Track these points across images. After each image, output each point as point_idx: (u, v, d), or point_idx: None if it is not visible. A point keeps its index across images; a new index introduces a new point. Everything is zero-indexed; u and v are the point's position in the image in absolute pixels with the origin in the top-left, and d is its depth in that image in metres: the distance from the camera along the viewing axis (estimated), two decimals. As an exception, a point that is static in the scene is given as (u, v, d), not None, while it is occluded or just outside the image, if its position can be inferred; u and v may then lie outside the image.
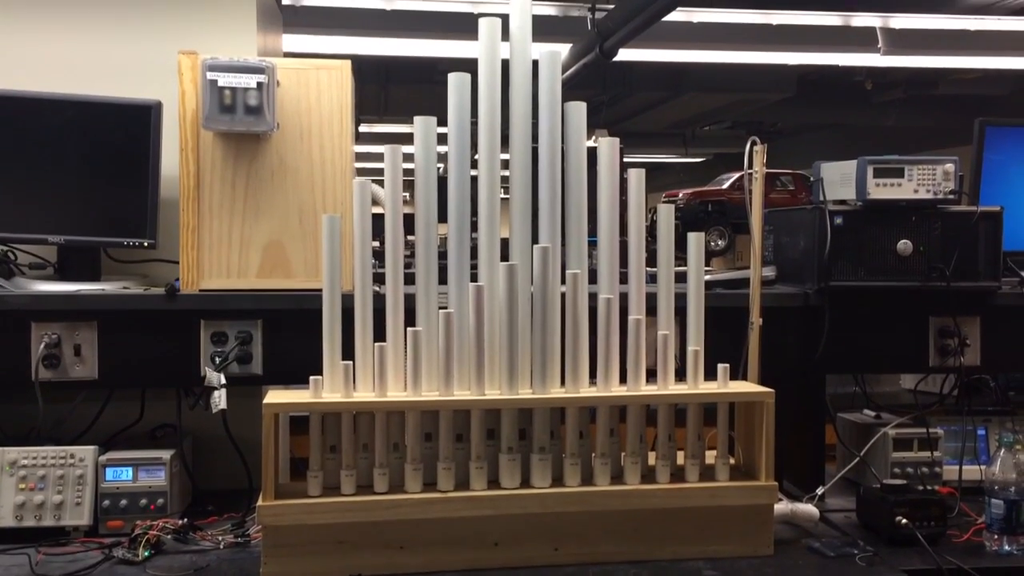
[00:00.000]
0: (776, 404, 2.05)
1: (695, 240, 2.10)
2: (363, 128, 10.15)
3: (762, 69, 7.85)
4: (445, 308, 2.00)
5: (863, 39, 6.57)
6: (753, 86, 8.89)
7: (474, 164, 2.07)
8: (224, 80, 2.14)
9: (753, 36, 6.44)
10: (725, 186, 6.86)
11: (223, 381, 2.11)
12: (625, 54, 6.09)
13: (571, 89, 5.33)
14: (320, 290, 2.00)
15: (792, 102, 9.44)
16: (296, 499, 1.91)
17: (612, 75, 8.15)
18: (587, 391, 2.03)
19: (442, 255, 2.05)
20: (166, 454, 2.15)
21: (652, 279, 2.12)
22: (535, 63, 2.07)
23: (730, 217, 6.34)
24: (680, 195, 6.88)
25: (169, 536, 2.04)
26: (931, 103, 9.64)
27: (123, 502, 2.11)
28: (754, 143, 2.21)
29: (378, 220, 2.04)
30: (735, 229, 6.13)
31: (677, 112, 10.32)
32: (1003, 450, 2.07)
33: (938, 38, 6.58)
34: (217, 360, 2.17)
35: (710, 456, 2.09)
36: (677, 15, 5.79)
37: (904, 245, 2.34)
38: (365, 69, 7.96)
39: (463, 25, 5.76)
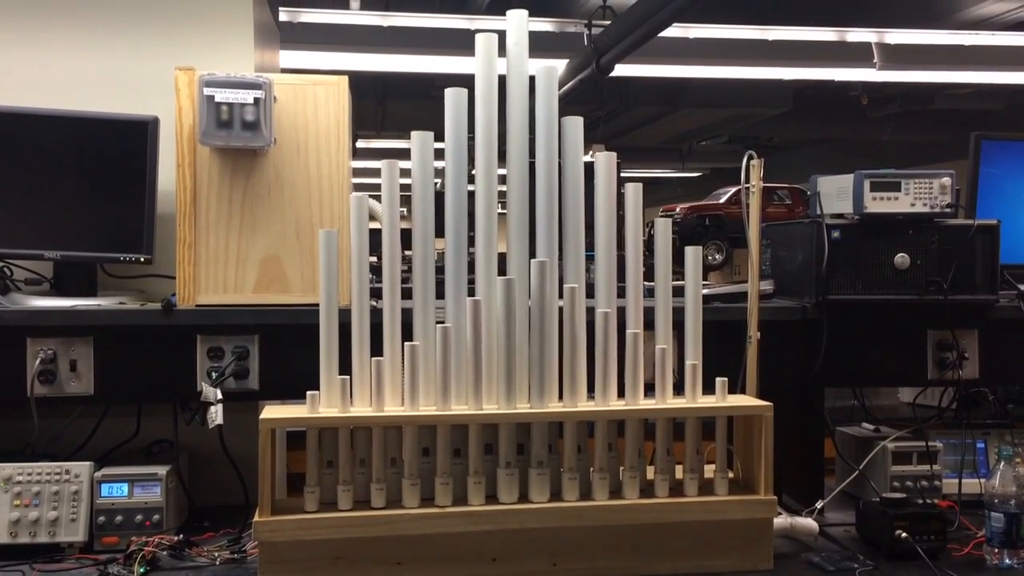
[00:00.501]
0: (775, 418, 2.04)
1: (692, 254, 2.10)
2: (360, 143, 10.16)
3: (758, 84, 7.89)
4: (443, 323, 1.99)
5: (859, 54, 6.61)
6: (749, 101, 8.92)
7: (471, 179, 2.07)
8: (221, 96, 2.15)
9: (749, 51, 6.48)
10: (722, 200, 6.87)
11: (219, 396, 2.11)
12: (622, 69, 6.12)
13: (568, 104, 5.35)
14: (317, 305, 1.99)
15: (788, 117, 9.48)
16: (293, 515, 1.90)
17: (609, 90, 8.19)
18: (585, 405, 2.02)
19: (439, 270, 2.05)
20: (162, 470, 2.15)
21: (650, 293, 2.12)
22: (532, 79, 2.07)
23: (727, 231, 6.35)
24: (677, 209, 6.88)
25: (165, 552, 2.02)
26: (927, 117, 9.68)
27: (118, 518, 2.09)
28: (751, 157, 2.22)
29: (375, 235, 2.04)
30: (732, 243, 6.13)
31: (674, 127, 10.36)
32: (1002, 463, 2.07)
33: (933, 53, 6.62)
34: (214, 375, 2.17)
35: (709, 470, 2.08)
36: (673, 31, 5.84)
37: (901, 259, 2.34)
38: (362, 85, 7.99)
39: (460, 41, 5.79)
